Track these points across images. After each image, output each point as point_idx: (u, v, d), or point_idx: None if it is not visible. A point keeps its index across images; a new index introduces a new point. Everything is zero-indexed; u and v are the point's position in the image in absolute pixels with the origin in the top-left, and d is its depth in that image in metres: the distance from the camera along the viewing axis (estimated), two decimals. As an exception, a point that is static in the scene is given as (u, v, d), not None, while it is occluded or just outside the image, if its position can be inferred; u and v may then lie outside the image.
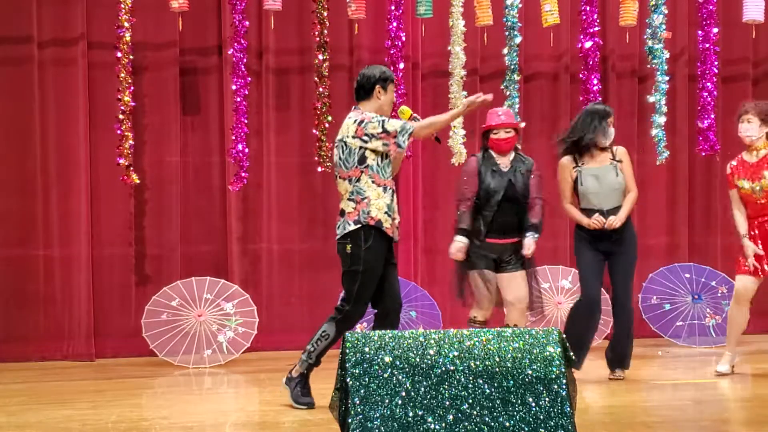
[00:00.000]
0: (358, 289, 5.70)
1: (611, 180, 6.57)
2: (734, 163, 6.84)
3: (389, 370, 4.19)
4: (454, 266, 6.66)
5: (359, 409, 4.12)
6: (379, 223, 5.66)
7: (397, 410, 4.13)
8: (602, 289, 6.71)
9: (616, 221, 6.52)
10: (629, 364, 6.76)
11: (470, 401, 4.16)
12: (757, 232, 6.70)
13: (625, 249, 6.63)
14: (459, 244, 6.47)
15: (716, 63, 8.40)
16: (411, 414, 4.13)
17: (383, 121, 5.69)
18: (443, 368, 4.21)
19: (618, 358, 6.74)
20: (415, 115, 5.95)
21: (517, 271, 6.51)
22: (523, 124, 7.23)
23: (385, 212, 5.69)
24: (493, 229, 6.48)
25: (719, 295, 8.26)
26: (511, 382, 4.20)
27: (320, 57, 7.82)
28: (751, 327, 7.20)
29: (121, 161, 7.60)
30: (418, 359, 4.22)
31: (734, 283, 6.90)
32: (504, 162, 6.52)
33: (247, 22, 7.74)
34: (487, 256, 6.47)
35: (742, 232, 6.72)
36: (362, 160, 5.71)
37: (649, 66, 8.29)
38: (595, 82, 8.14)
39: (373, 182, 5.69)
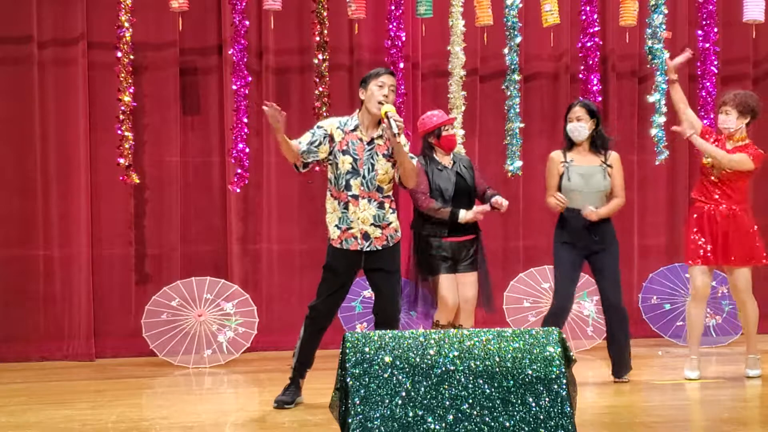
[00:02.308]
0: (319, 284, 5.92)
1: (597, 181, 6.53)
2: (711, 138, 6.81)
3: (389, 370, 4.19)
4: (410, 275, 6.65)
5: (359, 409, 4.12)
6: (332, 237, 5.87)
7: (397, 410, 4.13)
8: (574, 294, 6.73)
9: (593, 214, 6.42)
10: (631, 364, 6.73)
11: (470, 401, 4.16)
12: (705, 219, 6.68)
13: (607, 247, 6.56)
14: (469, 213, 6.43)
15: (716, 63, 8.40)
16: (411, 414, 4.13)
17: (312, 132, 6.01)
18: (443, 368, 4.21)
19: (622, 362, 6.66)
20: (391, 114, 5.59)
21: (469, 272, 6.53)
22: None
23: (335, 225, 5.84)
24: (450, 228, 6.48)
25: (719, 295, 8.26)
26: (511, 382, 4.20)
27: (320, 57, 7.81)
28: (761, 327, 7.18)
29: (121, 161, 7.60)
30: (418, 359, 4.22)
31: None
32: (446, 160, 6.57)
33: (247, 22, 7.74)
34: (446, 257, 6.48)
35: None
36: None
37: (649, 66, 8.28)
38: (595, 82, 8.13)
39: (330, 195, 5.95)
